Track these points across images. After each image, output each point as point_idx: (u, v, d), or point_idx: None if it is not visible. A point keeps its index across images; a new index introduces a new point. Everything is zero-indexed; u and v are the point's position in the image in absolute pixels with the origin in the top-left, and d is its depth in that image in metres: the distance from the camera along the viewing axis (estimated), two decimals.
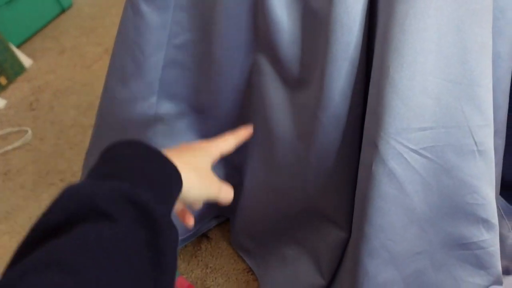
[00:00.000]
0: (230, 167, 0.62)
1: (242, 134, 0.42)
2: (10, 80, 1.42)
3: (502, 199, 0.60)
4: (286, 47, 0.48)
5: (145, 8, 0.51)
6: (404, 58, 0.39)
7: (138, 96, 0.55)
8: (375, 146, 0.41)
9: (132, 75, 0.55)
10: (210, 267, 0.76)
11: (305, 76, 0.49)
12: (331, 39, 0.43)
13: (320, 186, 0.52)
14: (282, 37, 0.48)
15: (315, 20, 0.45)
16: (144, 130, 0.56)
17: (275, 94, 0.52)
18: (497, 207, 0.49)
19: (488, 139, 0.42)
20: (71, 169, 1.00)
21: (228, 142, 0.40)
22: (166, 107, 0.58)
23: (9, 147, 1.10)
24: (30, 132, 1.14)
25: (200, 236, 0.79)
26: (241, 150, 0.60)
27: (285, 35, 0.48)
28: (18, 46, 1.66)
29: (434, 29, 0.38)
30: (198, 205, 0.36)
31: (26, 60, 1.52)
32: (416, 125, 0.40)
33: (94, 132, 0.61)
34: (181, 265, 0.77)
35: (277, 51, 0.49)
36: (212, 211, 0.71)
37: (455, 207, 0.44)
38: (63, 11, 1.92)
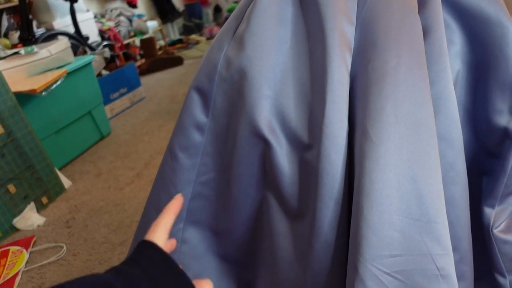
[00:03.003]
0: (241, 285, 0.72)
1: (175, 206, 0.52)
2: (51, 200, 1.58)
3: None
4: (287, 186, 0.62)
5: (180, 155, 0.67)
6: (373, 200, 0.51)
7: None
8: (355, 269, 0.52)
9: (165, 205, 0.68)
10: None
11: (302, 210, 0.61)
12: (320, 183, 0.56)
13: None
14: (284, 179, 0.62)
15: (308, 168, 0.59)
16: (172, 252, 0.68)
17: (279, 223, 0.64)
18: None
19: (448, 266, 0.52)
20: None
21: (168, 220, 0.50)
22: (191, 232, 0.70)
23: (45, 262, 1.22)
24: (65, 248, 1.26)
25: None
26: (252, 269, 0.71)
27: (285, 177, 0.62)
28: (60, 169, 1.86)
29: (394, 180, 0.51)
30: None
31: (66, 182, 1.70)
32: (387, 252, 0.51)
33: (130, 250, 0.73)
34: None
35: (280, 189, 0.63)
36: None
37: None
38: (102, 138, 2.17)
